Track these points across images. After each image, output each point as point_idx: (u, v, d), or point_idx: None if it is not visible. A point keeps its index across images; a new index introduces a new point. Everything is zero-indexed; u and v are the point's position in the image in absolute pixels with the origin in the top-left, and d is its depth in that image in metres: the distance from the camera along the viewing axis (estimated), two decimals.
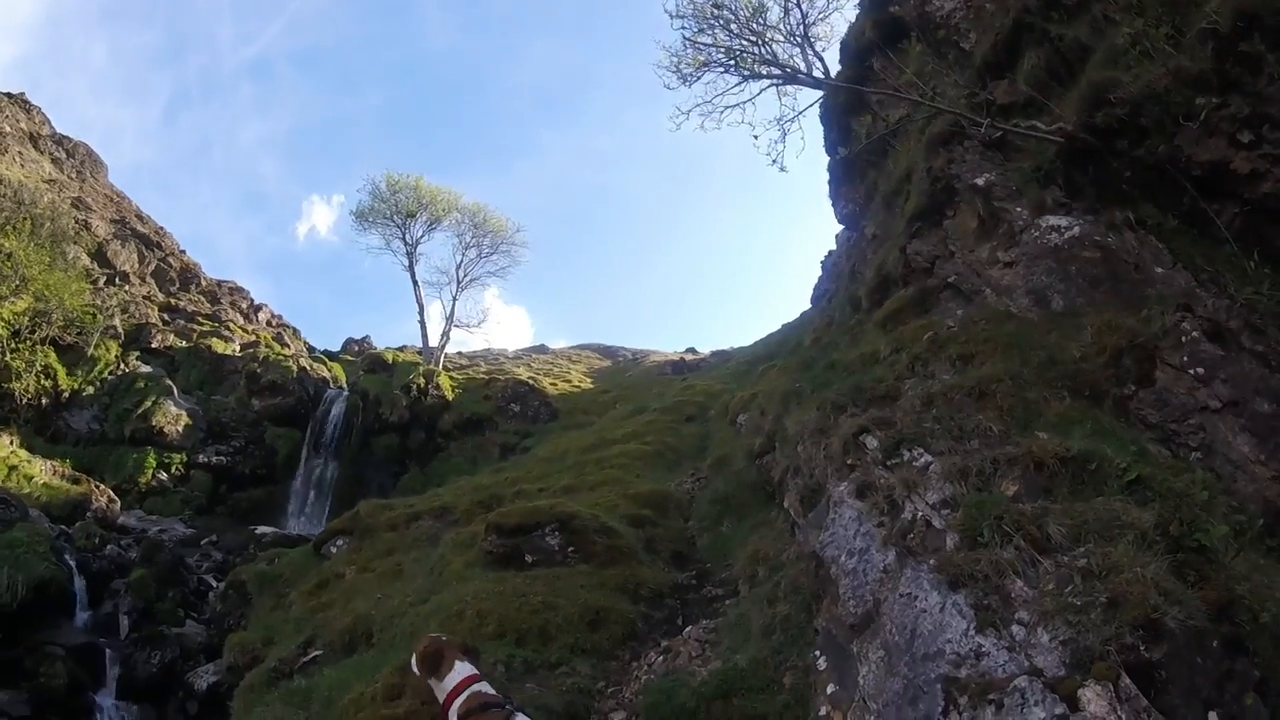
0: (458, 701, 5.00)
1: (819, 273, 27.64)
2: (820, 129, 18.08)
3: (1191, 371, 6.53)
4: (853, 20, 16.87)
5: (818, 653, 5.90)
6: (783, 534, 8.38)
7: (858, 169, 15.96)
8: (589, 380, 43.91)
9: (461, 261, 48.42)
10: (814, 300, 26.71)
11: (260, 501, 32.12)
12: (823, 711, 5.47)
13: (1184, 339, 6.70)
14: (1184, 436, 6.43)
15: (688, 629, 7.84)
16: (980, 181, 9.50)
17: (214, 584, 18.71)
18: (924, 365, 8.29)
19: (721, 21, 16.55)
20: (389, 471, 34.28)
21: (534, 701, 5.94)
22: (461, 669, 5.15)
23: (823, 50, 18.33)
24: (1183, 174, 7.58)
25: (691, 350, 49.84)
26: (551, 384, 40.43)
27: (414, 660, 5.43)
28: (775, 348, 27.13)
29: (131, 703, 13.59)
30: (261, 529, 26.37)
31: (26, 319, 30.64)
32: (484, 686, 5.07)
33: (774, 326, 37.46)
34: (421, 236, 48.59)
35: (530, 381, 38.90)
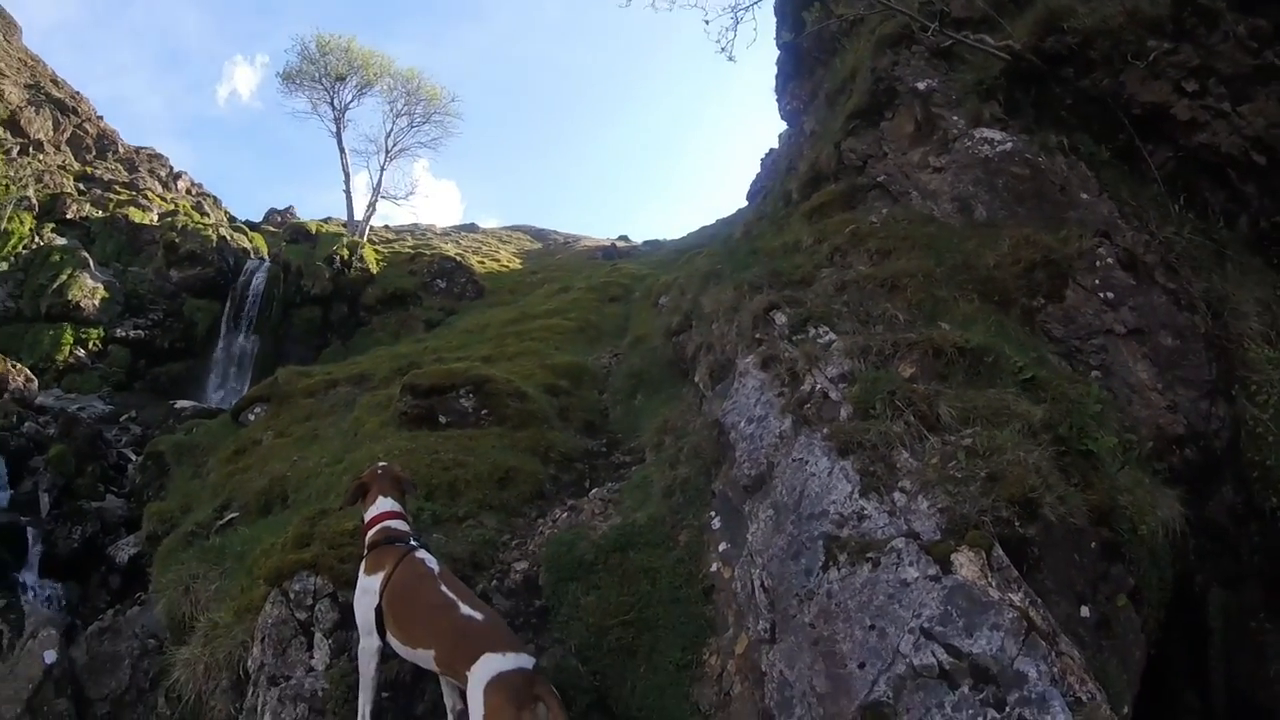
0: (370, 534, 5.13)
1: (759, 170, 27.63)
2: (774, 21, 17.91)
3: (1101, 295, 6.76)
4: None
5: (713, 513, 6.13)
6: (692, 406, 8.54)
7: (806, 66, 15.87)
8: (518, 261, 43.40)
9: (391, 130, 46.54)
10: (750, 197, 26.67)
11: (180, 376, 31.66)
12: (714, 567, 5.71)
13: (1098, 263, 6.92)
14: (1086, 355, 6.68)
15: (593, 490, 8.01)
16: (922, 86, 9.55)
17: (133, 457, 18.55)
18: (842, 256, 8.44)
19: None
20: (310, 345, 33.78)
21: (440, 549, 6.08)
22: (382, 504, 5.26)
23: None
24: (1123, 111, 7.78)
25: (624, 238, 49.45)
26: (480, 262, 39.85)
27: (352, 487, 5.54)
28: (707, 239, 27.22)
29: (55, 579, 13.55)
30: (181, 403, 25.66)
31: None
32: (398, 523, 5.17)
33: (710, 221, 37.50)
34: (351, 102, 46.46)
35: (457, 258, 38.23)
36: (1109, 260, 6.91)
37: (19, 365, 25.67)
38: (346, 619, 5.65)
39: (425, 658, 4.60)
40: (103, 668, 7.74)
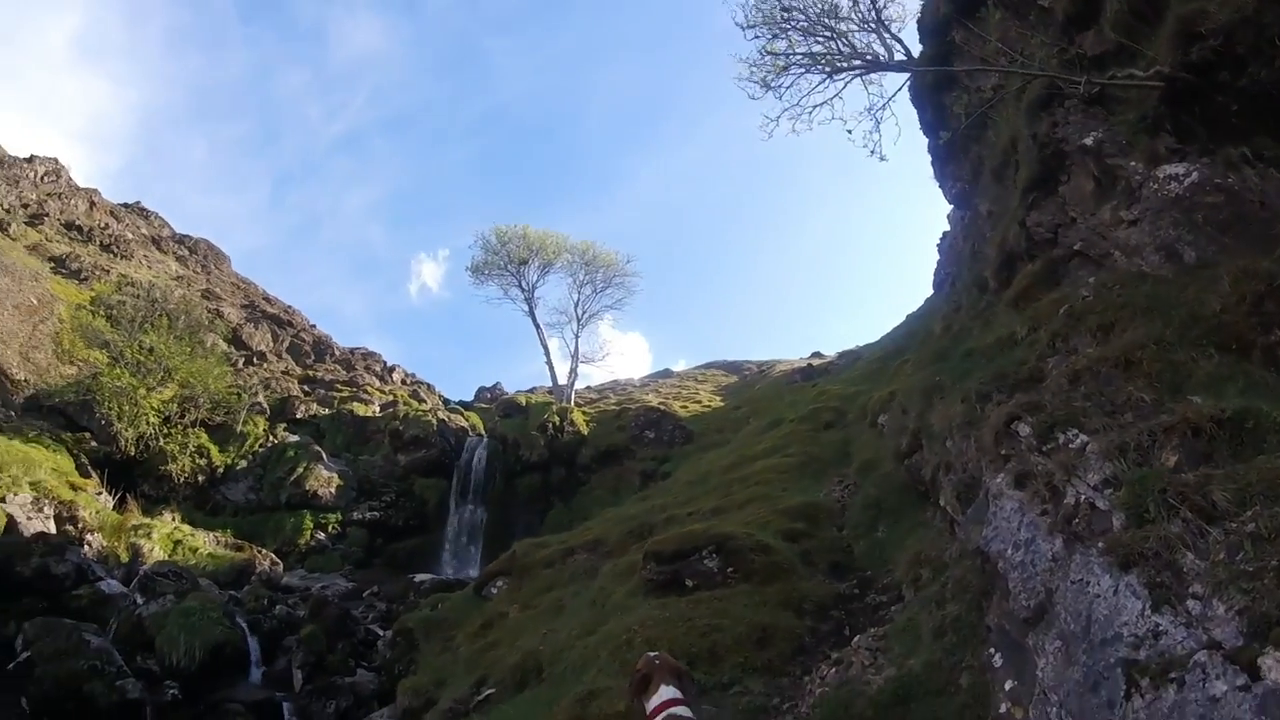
0: None
1: (936, 257, 27.14)
2: (913, 111, 17.80)
3: None
4: None
5: (992, 650, 5.79)
6: (941, 533, 8.21)
7: (959, 145, 15.62)
8: (718, 398, 43.93)
9: (578, 299, 49.29)
10: (936, 285, 26.18)
11: (415, 550, 33.64)
12: (1003, 709, 5.37)
13: None
14: None
15: (856, 639, 7.68)
16: (1089, 141, 9.21)
17: (380, 632, 19.52)
18: (1064, 341, 8.03)
19: (793, 23, 16.46)
20: (534, 510, 35.22)
21: None
22: (665, 692, 5.19)
23: (899, 31, 18.05)
24: None
25: (817, 354, 49.24)
26: (682, 406, 40.61)
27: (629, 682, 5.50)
28: (904, 341, 26.58)
29: None
30: (420, 576, 27.52)
31: (175, 405, 33.60)
32: (682, 710, 5.10)
33: (898, 319, 36.87)
34: (537, 281, 49.75)
35: (661, 407, 39.22)
36: None
37: (264, 551, 28.30)
38: None
39: None
40: None
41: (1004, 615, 5.77)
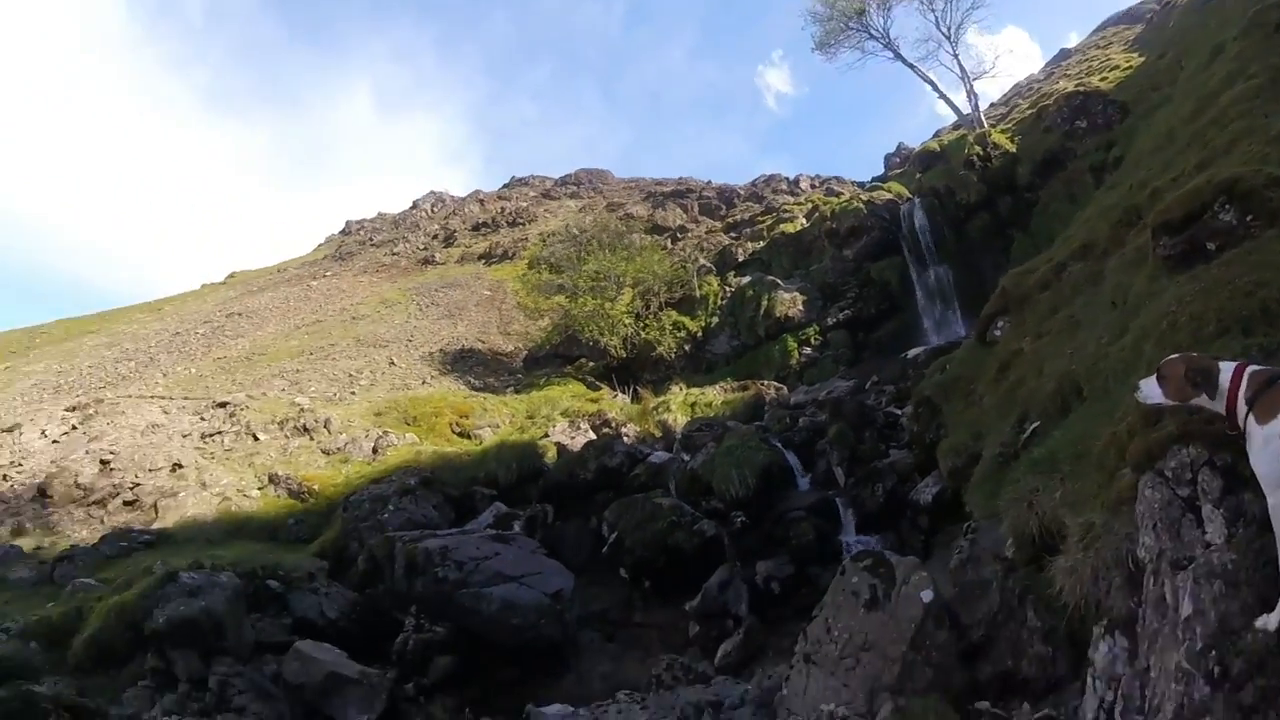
0: (1240, 390, 4.66)
1: None
2: None
3: None
4: None
5: None
6: None
7: None
8: (1135, 55, 39.36)
9: (936, 18, 44.67)
10: None
11: (896, 332, 34.75)
12: None
13: None
14: None
15: None
16: None
17: (898, 412, 20.67)
18: None
19: None
20: (996, 249, 34.13)
21: None
22: (1227, 364, 5.02)
23: None
24: None
25: None
26: (1101, 79, 36.93)
27: (1179, 381, 5.24)
28: None
29: (869, 534, 15.81)
30: (912, 351, 28.72)
31: (638, 302, 39.77)
32: (1256, 365, 4.89)
33: None
34: (887, 23, 46.43)
35: (1079, 89, 35.98)
36: None
37: (766, 382, 31.59)
38: (1231, 484, 5.33)
39: None
40: (972, 595, 8.26)
41: None
